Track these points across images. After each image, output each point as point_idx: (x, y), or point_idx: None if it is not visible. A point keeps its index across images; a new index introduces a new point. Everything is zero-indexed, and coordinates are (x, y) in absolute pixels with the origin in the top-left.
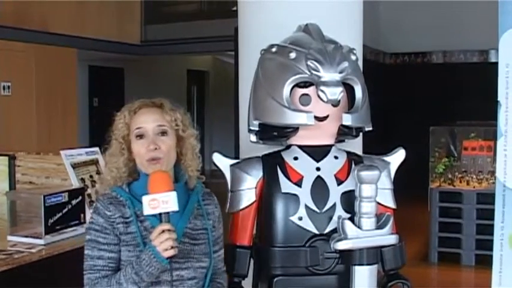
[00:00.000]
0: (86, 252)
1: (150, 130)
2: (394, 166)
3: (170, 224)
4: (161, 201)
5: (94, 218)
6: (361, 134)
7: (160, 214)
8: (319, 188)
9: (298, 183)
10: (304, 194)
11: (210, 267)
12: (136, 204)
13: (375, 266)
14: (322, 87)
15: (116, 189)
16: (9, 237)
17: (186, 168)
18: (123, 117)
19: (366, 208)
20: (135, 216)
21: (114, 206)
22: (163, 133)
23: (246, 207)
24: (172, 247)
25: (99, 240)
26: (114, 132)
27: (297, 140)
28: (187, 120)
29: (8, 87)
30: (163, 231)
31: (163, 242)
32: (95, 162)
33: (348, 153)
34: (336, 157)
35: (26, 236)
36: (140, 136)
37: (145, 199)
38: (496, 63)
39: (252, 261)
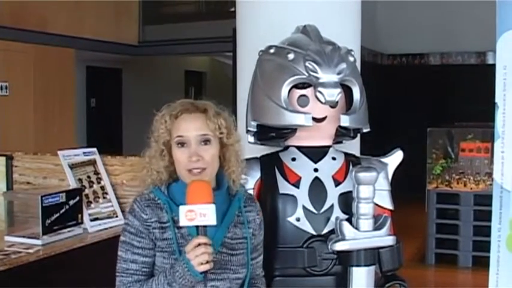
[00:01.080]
0: (119, 253)
1: (192, 139)
2: (391, 167)
3: (207, 237)
4: (199, 213)
5: (130, 219)
6: (358, 135)
7: (197, 226)
8: (317, 189)
9: (296, 184)
10: (302, 195)
11: (247, 277)
12: (175, 209)
13: (373, 267)
14: (320, 89)
15: (155, 190)
16: (7, 238)
17: (229, 174)
18: (164, 121)
19: (364, 209)
20: (172, 221)
21: (152, 209)
22: (207, 141)
23: None
24: (207, 261)
25: (134, 243)
26: (154, 134)
27: (294, 141)
28: (231, 124)
29: (6, 87)
30: (199, 244)
31: (198, 256)
32: (92, 162)
33: (346, 154)
34: (333, 158)
35: (24, 237)
36: (181, 144)
37: (182, 209)
38: (493, 65)
39: None
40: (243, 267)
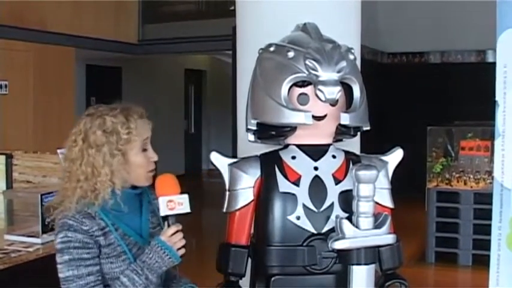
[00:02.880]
0: (68, 274)
1: (149, 142)
2: (391, 166)
3: (179, 224)
4: (177, 202)
5: (70, 235)
6: (359, 133)
7: (166, 216)
8: (317, 187)
9: (296, 183)
10: (302, 193)
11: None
12: (107, 213)
13: (373, 265)
14: (320, 87)
15: (90, 206)
16: (6, 236)
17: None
18: (135, 127)
19: (364, 207)
20: (111, 226)
21: (88, 219)
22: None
23: (244, 206)
24: (184, 246)
25: (84, 256)
26: (112, 141)
27: (294, 139)
28: None
29: (6, 85)
30: (177, 231)
31: (177, 242)
32: None
33: (346, 152)
34: (333, 156)
35: (23, 235)
36: (145, 148)
37: (162, 200)
38: (494, 63)
39: (249, 260)
40: None
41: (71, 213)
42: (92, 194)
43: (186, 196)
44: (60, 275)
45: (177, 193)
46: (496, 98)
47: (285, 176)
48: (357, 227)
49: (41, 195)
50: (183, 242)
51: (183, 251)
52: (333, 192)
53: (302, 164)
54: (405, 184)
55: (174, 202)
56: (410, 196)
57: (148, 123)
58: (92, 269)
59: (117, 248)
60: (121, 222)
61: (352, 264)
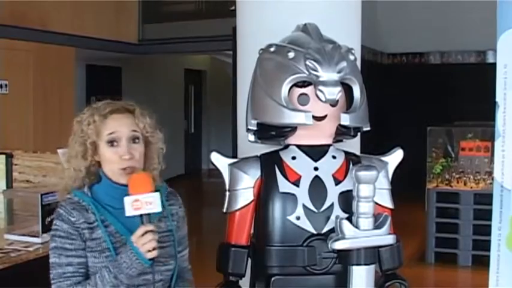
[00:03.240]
0: (52, 260)
1: (124, 137)
2: (392, 166)
3: (152, 225)
4: (144, 202)
5: (58, 224)
6: (359, 134)
7: (141, 215)
8: (317, 187)
9: (296, 183)
10: (302, 193)
11: (176, 268)
12: (100, 209)
13: (373, 266)
14: (320, 87)
15: (78, 193)
16: (6, 236)
17: (151, 171)
18: (93, 121)
19: (364, 208)
20: (100, 221)
21: (78, 211)
22: (136, 139)
23: (244, 206)
24: (154, 248)
25: (66, 246)
26: (78, 135)
27: (295, 139)
28: (154, 123)
29: (6, 85)
30: (146, 232)
31: (146, 243)
32: None
33: (346, 153)
34: (334, 157)
35: (23, 235)
36: (112, 142)
37: (127, 200)
38: (494, 64)
39: (249, 260)
40: (172, 259)
41: (64, 202)
42: (69, 180)
43: (155, 194)
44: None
45: (147, 192)
46: (496, 99)
47: (285, 176)
48: (356, 227)
49: (41, 195)
50: (153, 244)
51: (153, 253)
52: (333, 193)
53: (302, 165)
54: (405, 185)
55: (140, 202)
56: (410, 196)
57: (135, 119)
58: (72, 260)
59: (102, 243)
60: (115, 219)
61: (352, 265)
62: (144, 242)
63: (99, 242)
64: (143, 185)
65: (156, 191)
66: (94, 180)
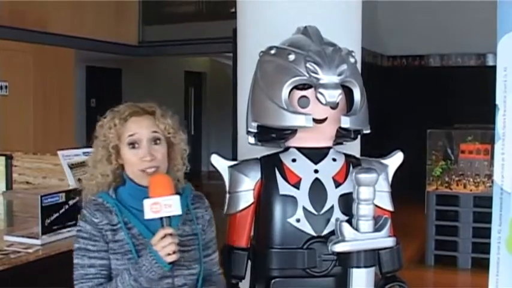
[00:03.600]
0: (75, 261)
1: (144, 138)
2: (392, 169)
3: (173, 228)
4: (164, 204)
5: (82, 225)
6: (359, 136)
7: (161, 218)
8: (317, 190)
9: (296, 185)
10: (302, 196)
11: (201, 273)
12: (123, 210)
13: (372, 268)
14: (320, 90)
15: (102, 195)
16: (6, 237)
17: (174, 172)
18: (114, 125)
19: (364, 210)
20: (123, 223)
21: (101, 212)
22: (157, 140)
23: (244, 208)
24: (174, 252)
25: (89, 248)
26: (100, 139)
27: (295, 142)
28: (176, 124)
29: (5, 86)
30: (165, 235)
31: (166, 247)
32: None
33: (346, 155)
34: (334, 159)
35: (23, 236)
36: (133, 144)
37: (146, 203)
38: (494, 67)
39: (249, 263)
40: (196, 263)
41: (89, 203)
42: (96, 187)
43: (174, 197)
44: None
45: (167, 194)
46: (496, 102)
47: (285, 179)
48: (356, 229)
49: (41, 196)
50: (173, 247)
51: (172, 257)
52: (333, 195)
53: (302, 167)
54: (405, 187)
55: (159, 205)
56: (410, 199)
57: (156, 120)
58: (95, 261)
59: (124, 245)
60: (138, 221)
61: (352, 267)
62: (164, 246)
63: (122, 244)
64: (163, 187)
65: (177, 193)
66: (119, 182)
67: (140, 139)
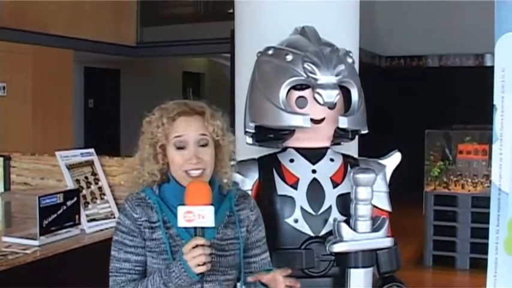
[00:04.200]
0: (112, 253)
1: (191, 140)
2: (389, 169)
3: (205, 238)
4: (197, 214)
5: (121, 219)
6: (357, 136)
7: (195, 228)
8: (315, 190)
9: (294, 186)
10: (300, 196)
11: (242, 278)
12: (165, 209)
13: (370, 268)
14: (318, 90)
15: (146, 190)
16: (4, 238)
17: (222, 175)
18: (161, 124)
19: (362, 211)
20: (162, 222)
21: (142, 208)
22: (205, 144)
23: None
24: (204, 263)
25: (126, 242)
26: (147, 136)
27: (293, 142)
28: (225, 125)
29: (4, 87)
30: (196, 245)
31: (195, 257)
32: (90, 163)
33: (344, 155)
34: (331, 160)
35: (21, 237)
36: (180, 146)
37: (180, 210)
38: (491, 67)
39: None
40: (233, 269)
41: (131, 196)
42: (139, 180)
43: (210, 208)
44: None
45: (202, 204)
46: (494, 102)
47: (283, 179)
48: (354, 230)
49: (39, 197)
50: (203, 258)
51: (202, 268)
52: (331, 196)
53: (300, 167)
54: (403, 187)
55: (193, 214)
56: (408, 199)
57: (205, 121)
58: (130, 256)
59: (161, 245)
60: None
61: (350, 268)
62: (194, 256)
63: (159, 243)
64: (199, 196)
65: (223, 195)
66: (165, 180)
67: (187, 141)
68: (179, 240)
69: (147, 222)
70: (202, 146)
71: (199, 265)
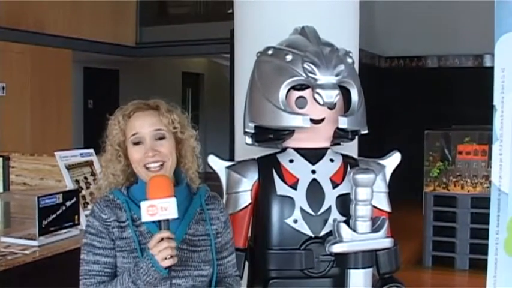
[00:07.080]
0: (81, 256)
1: (147, 136)
2: (389, 169)
3: (170, 231)
4: (160, 207)
5: (90, 221)
6: (356, 137)
7: (159, 221)
8: (315, 190)
9: (294, 186)
10: (300, 196)
11: (214, 275)
12: (133, 207)
13: (370, 269)
14: (318, 90)
15: (114, 191)
16: (3, 239)
17: (186, 170)
18: (117, 122)
19: (361, 211)
20: (131, 220)
21: (110, 209)
22: (161, 137)
23: (241, 209)
24: (171, 256)
25: (95, 244)
26: (109, 137)
27: (292, 142)
28: (185, 120)
29: (3, 87)
30: (162, 239)
31: (162, 251)
32: (89, 163)
33: (344, 156)
34: (331, 160)
35: (20, 238)
36: (137, 142)
37: (143, 205)
38: (491, 68)
39: (246, 263)
40: (206, 264)
41: (99, 199)
42: (108, 187)
43: (172, 199)
44: None
45: (164, 197)
46: (494, 103)
47: (283, 180)
48: (354, 230)
49: (38, 197)
50: (169, 251)
51: (170, 261)
52: (331, 196)
53: (300, 168)
54: (402, 188)
55: (156, 207)
56: (408, 200)
57: (160, 115)
58: (99, 258)
59: (131, 243)
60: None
61: (350, 268)
62: (160, 250)
63: (129, 242)
64: (160, 189)
65: (195, 193)
66: (133, 182)
67: (143, 136)
68: (149, 237)
69: (116, 222)
70: (160, 139)
71: (166, 258)
